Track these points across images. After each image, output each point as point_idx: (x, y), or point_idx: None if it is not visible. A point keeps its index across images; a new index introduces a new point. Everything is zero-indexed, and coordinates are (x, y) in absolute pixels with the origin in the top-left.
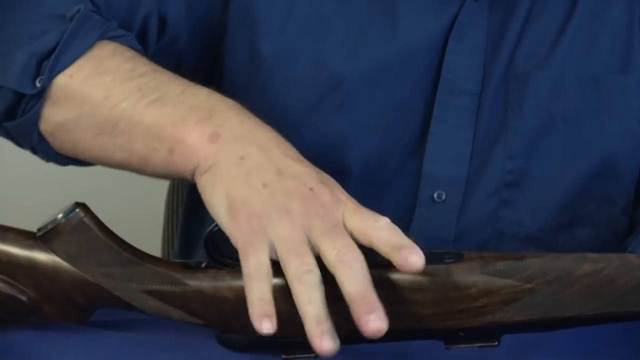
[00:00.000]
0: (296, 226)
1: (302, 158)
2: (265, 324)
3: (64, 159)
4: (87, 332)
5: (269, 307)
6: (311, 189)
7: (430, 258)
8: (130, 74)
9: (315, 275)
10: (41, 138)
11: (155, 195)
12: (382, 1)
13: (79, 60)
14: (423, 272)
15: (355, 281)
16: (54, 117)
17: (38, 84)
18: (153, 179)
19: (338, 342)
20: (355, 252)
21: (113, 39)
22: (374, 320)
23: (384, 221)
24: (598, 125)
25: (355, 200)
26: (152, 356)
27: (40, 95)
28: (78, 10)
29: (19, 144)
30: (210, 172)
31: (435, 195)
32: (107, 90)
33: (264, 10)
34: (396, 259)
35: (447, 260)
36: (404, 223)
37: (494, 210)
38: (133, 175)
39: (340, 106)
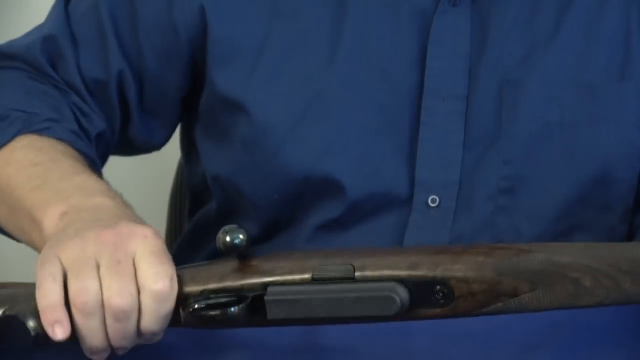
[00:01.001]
0: (86, 251)
1: (126, 217)
2: (58, 330)
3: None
4: None
5: (58, 313)
6: (116, 223)
7: (420, 291)
8: (29, 163)
9: (88, 299)
10: None
11: (159, 195)
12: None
13: None
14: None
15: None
16: None
17: None
18: (156, 181)
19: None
20: (123, 300)
21: (36, 132)
22: None
23: (159, 287)
24: (595, 132)
25: (158, 240)
26: None
27: None
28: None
29: None
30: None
31: (429, 200)
32: (8, 178)
33: (240, 41)
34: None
35: (436, 297)
36: (400, 230)
37: (490, 217)
38: (137, 177)
39: (323, 116)
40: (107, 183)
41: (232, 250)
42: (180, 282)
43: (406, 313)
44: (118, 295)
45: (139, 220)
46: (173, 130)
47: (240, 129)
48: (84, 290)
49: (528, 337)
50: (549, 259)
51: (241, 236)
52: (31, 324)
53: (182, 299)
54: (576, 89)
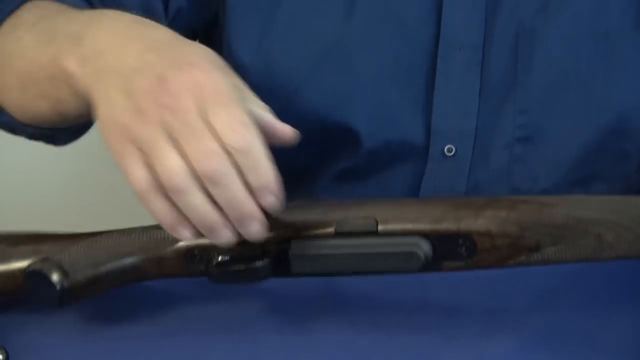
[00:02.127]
0: (149, 122)
1: (158, 45)
2: (183, 232)
3: (27, 128)
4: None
5: (178, 216)
6: (164, 78)
7: (443, 245)
8: (36, 21)
9: (178, 175)
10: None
11: None
12: None
13: (4, 22)
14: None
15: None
16: None
17: None
18: None
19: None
20: (211, 161)
21: None
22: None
23: (238, 138)
24: (612, 81)
25: (215, 79)
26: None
27: None
28: None
29: (2, 128)
30: (90, 99)
31: (445, 149)
32: (16, 42)
33: None
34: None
35: (460, 251)
36: (416, 179)
37: (506, 166)
38: None
39: (341, 64)
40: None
41: None
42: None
43: (429, 267)
44: (204, 159)
45: (173, 41)
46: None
47: (256, 76)
48: (168, 170)
49: (547, 287)
50: (571, 214)
51: None
52: (55, 278)
53: (207, 252)
54: (592, 38)
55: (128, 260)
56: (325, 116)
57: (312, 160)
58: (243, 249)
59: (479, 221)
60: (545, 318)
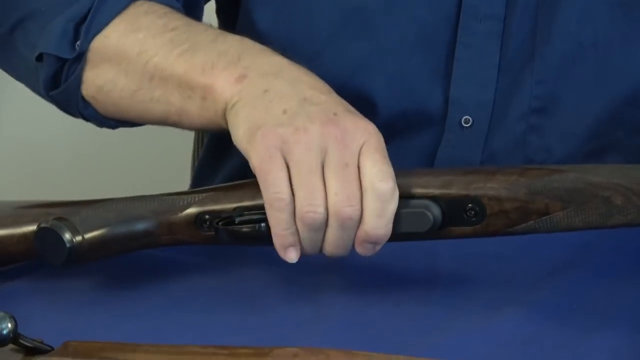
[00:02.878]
0: (312, 148)
1: (330, 90)
2: (289, 254)
3: (111, 122)
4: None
5: (292, 238)
6: (335, 114)
7: (452, 209)
8: (162, 28)
9: (317, 214)
10: (86, 103)
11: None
12: None
13: (113, 21)
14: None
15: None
16: (94, 79)
17: (77, 48)
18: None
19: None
20: (352, 208)
21: None
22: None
23: (385, 187)
24: (628, 52)
25: (380, 136)
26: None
27: (80, 58)
28: None
29: (69, 112)
30: (234, 107)
31: (462, 120)
32: (140, 46)
33: None
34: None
35: (469, 215)
36: (432, 149)
37: (521, 136)
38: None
39: (362, 30)
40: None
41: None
42: (214, 199)
43: (438, 231)
44: (348, 204)
45: (334, 95)
46: None
47: (275, 43)
48: (312, 204)
49: (555, 259)
50: (580, 178)
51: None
52: (66, 236)
53: (217, 215)
54: (609, 8)
55: (139, 224)
56: (343, 82)
57: None
58: (252, 212)
59: (488, 185)
60: (553, 289)
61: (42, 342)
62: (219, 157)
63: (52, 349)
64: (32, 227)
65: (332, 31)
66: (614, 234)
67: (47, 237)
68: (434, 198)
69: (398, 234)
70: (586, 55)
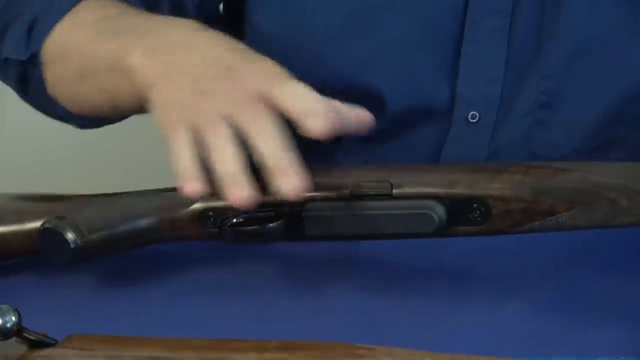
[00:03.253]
0: (215, 105)
1: (232, 46)
2: (191, 186)
3: (83, 120)
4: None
5: (194, 172)
6: (228, 68)
7: (457, 209)
8: (97, 20)
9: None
10: (54, 102)
11: None
12: None
13: (61, 21)
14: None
15: (270, 145)
16: (52, 77)
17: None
18: None
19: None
20: (267, 119)
21: None
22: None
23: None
24: (634, 47)
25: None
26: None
27: (35, 60)
28: None
29: (49, 114)
30: (148, 86)
31: (469, 115)
32: (78, 40)
33: None
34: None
35: (473, 215)
36: (438, 144)
37: (527, 131)
38: None
39: (367, 28)
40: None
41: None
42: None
43: (443, 230)
44: (266, 144)
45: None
46: None
47: (279, 44)
48: (225, 163)
49: (559, 253)
50: (586, 178)
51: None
52: (70, 236)
53: (221, 212)
54: (616, 3)
55: (143, 221)
56: (349, 81)
57: None
58: (257, 210)
59: (493, 185)
60: (557, 283)
61: (46, 335)
62: None
63: (56, 342)
64: (36, 224)
65: (336, 31)
66: (617, 229)
67: (51, 237)
68: (438, 198)
69: (402, 233)
70: (592, 50)
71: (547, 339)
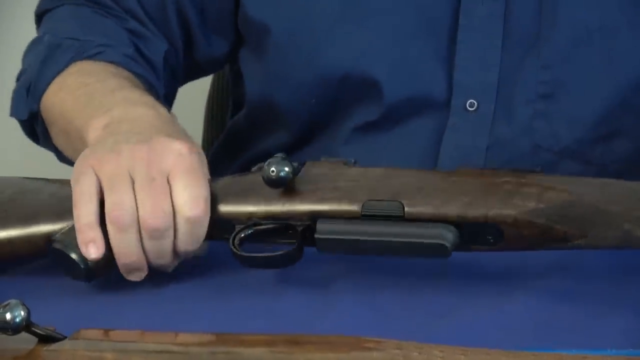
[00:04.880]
0: (121, 163)
1: (166, 127)
2: (91, 249)
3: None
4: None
5: (93, 232)
6: (151, 138)
7: (470, 230)
8: (78, 86)
9: (125, 216)
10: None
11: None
12: None
13: (53, 82)
14: None
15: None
16: (52, 133)
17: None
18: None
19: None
20: (157, 220)
21: (89, 57)
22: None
23: (194, 214)
24: (635, 37)
25: (195, 157)
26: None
27: (36, 118)
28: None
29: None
30: None
31: (467, 104)
32: (61, 104)
33: None
34: None
35: (487, 237)
36: (438, 134)
37: (528, 122)
38: None
39: (362, 18)
40: (154, 97)
41: (278, 184)
42: (224, 201)
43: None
44: (152, 214)
45: (178, 134)
46: (235, 43)
47: (276, 33)
48: (118, 205)
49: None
50: (600, 207)
51: (287, 168)
52: (77, 257)
53: (228, 224)
54: None
55: None
56: (347, 71)
57: (332, 116)
58: (266, 222)
59: (505, 211)
60: (563, 274)
61: (54, 330)
62: (234, 146)
63: (65, 337)
64: (44, 229)
65: (332, 20)
66: None
67: (60, 257)
68: (451, 222)
69: (415, 255)
70: (593, 40)
71: (555, 331)
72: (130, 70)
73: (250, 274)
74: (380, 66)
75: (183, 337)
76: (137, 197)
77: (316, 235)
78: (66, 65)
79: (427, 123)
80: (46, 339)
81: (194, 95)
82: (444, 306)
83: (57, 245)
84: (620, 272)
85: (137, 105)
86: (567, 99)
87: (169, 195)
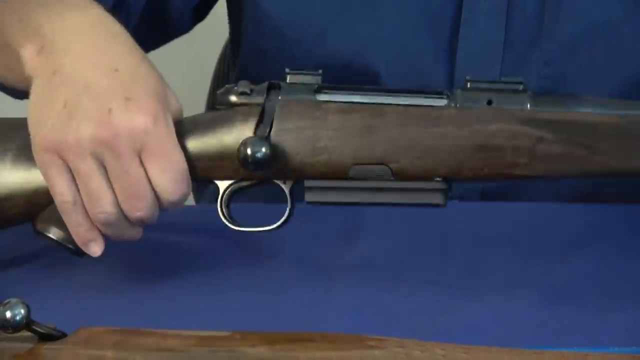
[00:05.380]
0: (86, 156)
1: (118, 66)
2: (91, 249)
3: (6, 90)
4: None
5: (89, 234)
6: (110, 111)
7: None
8: (15, 6)
9: (108, 214)
10: None
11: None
12: None
13: None
14: None
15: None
16: None
17: None
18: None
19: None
20: (141, 213)
21: None
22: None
23: (177, 199)
24: (638, 33)
25: (161, 131)
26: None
27: None
28: None
29: None
30: (32, 87)
31: None
32: None
33: None
34: None
35: None
36: None
37: None
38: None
39: (365, 10)
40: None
41: (256, 167)
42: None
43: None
44: (135, 209)
45: (119, 68)
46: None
47: (280, 25)
48: (99, 204)
49: (568, 240)
50: None
51: (264, 149)
52: (59, 238)
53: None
54: None
55: None
56: (348, 60)
57: None
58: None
59: None
60: (566, 271)
61: (54, 328)
62: None
63: (65, 334)
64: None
65: (335, 12)
66: (627, 216)
67: (46, 237)
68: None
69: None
70: (596, 36)
71: (556, 329)
72: None
73: (253, 271)
74: (381, 59)
75: (184, 336)
76: (115, 188)
77: (306, 184)
78: None
79: None
80: (46, 337)
81: (194, 94)
82: (446, 304)
83: (41, 228)
84: (624, 268)
85: (70, 16)
86: None
87: (147, 184)
